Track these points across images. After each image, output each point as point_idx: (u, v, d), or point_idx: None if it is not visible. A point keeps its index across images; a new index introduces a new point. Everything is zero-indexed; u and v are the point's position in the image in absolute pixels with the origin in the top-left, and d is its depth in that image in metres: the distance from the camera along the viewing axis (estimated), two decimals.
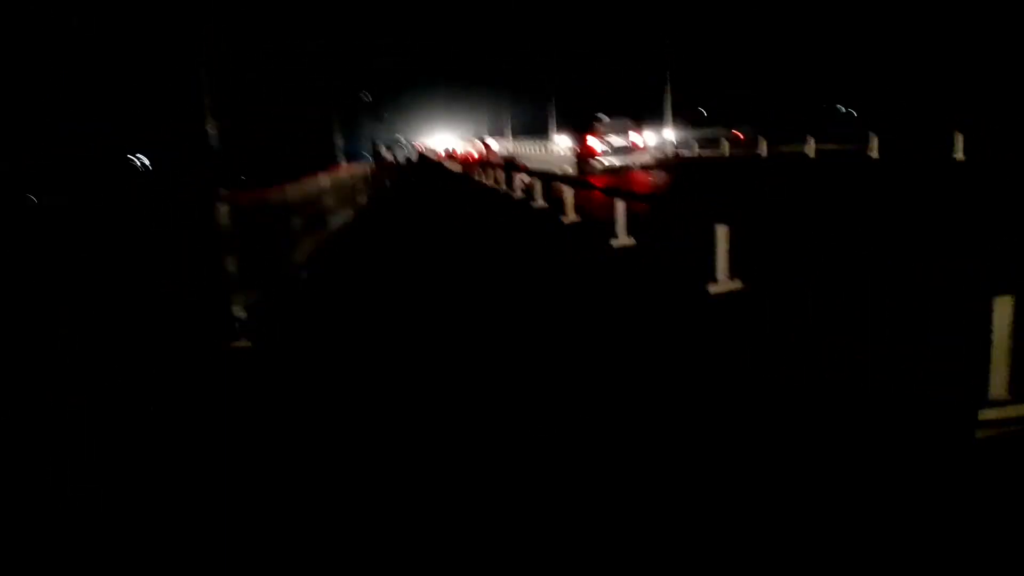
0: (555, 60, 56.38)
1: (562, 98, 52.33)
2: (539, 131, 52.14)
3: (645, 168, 25.83)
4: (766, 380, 4.47)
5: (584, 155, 24.72)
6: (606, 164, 24.83)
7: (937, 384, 3.95)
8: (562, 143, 34.11)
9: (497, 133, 63.01)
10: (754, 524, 2.94)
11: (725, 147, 32.76)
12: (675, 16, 46.48)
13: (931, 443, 3.41)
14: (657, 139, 34.32)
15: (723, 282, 6.98)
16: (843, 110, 45.82)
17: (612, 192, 11.38)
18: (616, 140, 25.83)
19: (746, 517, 3.00)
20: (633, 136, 26.29)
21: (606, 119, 27.70)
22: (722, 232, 7.03)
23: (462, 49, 78.61)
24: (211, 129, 8.06)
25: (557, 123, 50.30)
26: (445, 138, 70.90)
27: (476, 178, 28.66)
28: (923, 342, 4.71)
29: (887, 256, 5.56)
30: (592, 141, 25.47)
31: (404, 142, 65.82)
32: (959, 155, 19.43)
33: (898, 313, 5.40)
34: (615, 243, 10.46)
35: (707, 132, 38.27)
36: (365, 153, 42.46)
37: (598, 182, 15.94)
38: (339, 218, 15.50)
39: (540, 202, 16.78)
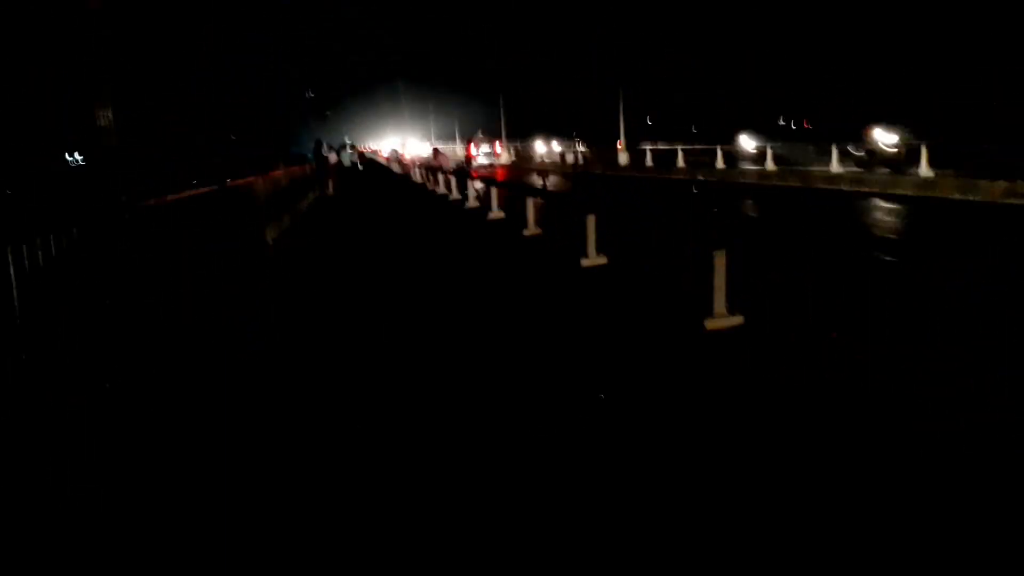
0: (506, 71, 57.43)
1: (514, 106, 53.23)
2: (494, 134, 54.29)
3: (503, 167, 40.68)
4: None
5: (468, 157, 39.81)
6: (478, 163, 37.65)
7: (687, 303, 6.39)
8: (483, 148, 45.63)
9: (443, 139, 62.51)
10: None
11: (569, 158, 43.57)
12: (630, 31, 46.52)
13: (683, 334, 5.86)
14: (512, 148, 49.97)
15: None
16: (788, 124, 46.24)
17: (485, 180, 18.04)
18: (485, 148, 42.48)
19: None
20: (496, 147, 43.22)
21: (480, 134, 44.84)
22: (532, 202, 12.57)
23: (416, 56, 77.73)
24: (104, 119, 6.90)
25: (509, 130, 51.29)
26: (392, 142, 70.01)
27: (412, 177, 34.69)
28: (677, 279, 7.66)
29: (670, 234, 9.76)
30: (472, 148, 41.44)
31: (350, 145, 64.31)
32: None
33: (672, 264, 8.50)
34: (490, 216, 15.19)
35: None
36: (308, 155, 40.68)
37: (474, 174, 22.56)
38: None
39: (443, 189, 23.13)
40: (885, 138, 24.31)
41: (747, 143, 32.11)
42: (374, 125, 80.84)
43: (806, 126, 44.44)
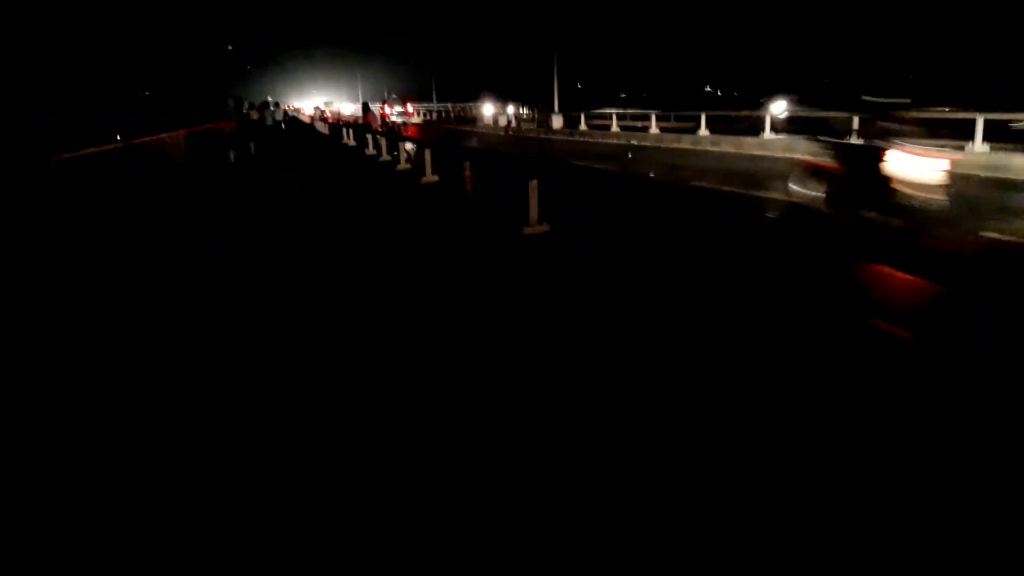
0: (433, 37, 57.24)
1: (442, 72, 53.94)
2: (425, 99, 54.70)
3: (415, 125, 45.63)
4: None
5: (382, 115, 42.40)
6: (391, 121, 39.34)
7: (514, 216, 8.85)
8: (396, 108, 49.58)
9: (372, 100, 61.26)
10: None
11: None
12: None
13: (508, 236, 8.37)
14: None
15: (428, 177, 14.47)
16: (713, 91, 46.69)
17: (391, 136, 20.75)
18: (398, 108, 47.33)
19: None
20: (408, 108, 50.16)
21: (394, 96, 52.74)
22: (429, 152, 15.14)
23: (346, 19, 75.27)
24: None
25: (438, 94, 51.45)
26: (316, 101, 67.89)
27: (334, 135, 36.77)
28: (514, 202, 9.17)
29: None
30: (385, 108, 44.33)
31: (273, 103, 61.74)
32: None
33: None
34: (398, 167, 17.53)
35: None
36: (228, 112, 38.71)
37: (382, 129, 26.34)
38: None
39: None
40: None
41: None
42: (300, 85, 78.23)
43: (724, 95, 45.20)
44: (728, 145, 21.18)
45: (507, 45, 54.58)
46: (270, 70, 69.43)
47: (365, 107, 34.87)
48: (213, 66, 46.72)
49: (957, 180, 7.13)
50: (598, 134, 29.63)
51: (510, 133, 37.61)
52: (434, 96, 54.10)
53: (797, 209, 7.79)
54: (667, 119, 31.03)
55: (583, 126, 32.84)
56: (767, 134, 21.11)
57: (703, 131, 23.88)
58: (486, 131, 39.38)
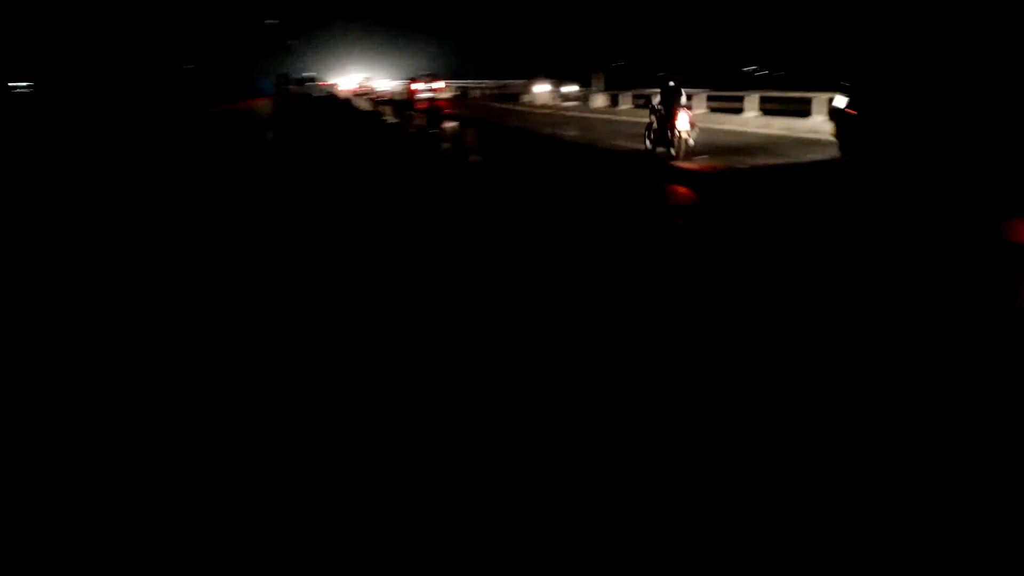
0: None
1: (485, 49, 54.03)
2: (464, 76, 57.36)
3: (444, 100, 43.43)
4: None
5: (410, 92, 45.54)
6: (419, 97, 42.17)
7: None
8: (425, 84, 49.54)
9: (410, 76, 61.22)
10: None
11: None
12: None
13: (459, 164, 13.78)
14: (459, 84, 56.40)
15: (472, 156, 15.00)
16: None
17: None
18: (425, 84, 45.64)
19: None
20: (436, 84, 46.71)
21: (423, 72, 50.46)
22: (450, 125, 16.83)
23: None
24: None
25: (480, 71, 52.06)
26: (356, 78, 67.72)
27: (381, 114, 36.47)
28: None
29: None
30: (414, 85, 46.68)
31: (313, 79, 61.59)
32: None
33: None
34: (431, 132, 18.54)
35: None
36: (268, 88, 38.71)
37: (417, 105, 30.07)
38: None
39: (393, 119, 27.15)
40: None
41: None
42: (338, 60, 78.23)
43: None
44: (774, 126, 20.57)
45: (554, 22, 53.89)
46: (310, 44, 69.51)
47: (411, 85, 37.20)
48: (254, 40, 46.83)
49: (724, 134, 14.27)
50: (639, 113, 29.01)
51: (546, 111, 37.08)
52: (473, 73, 53.80)
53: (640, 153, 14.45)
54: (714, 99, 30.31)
55: (625, 104, 32.23)
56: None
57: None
58: (521, 108, 38.95)
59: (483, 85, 56.77)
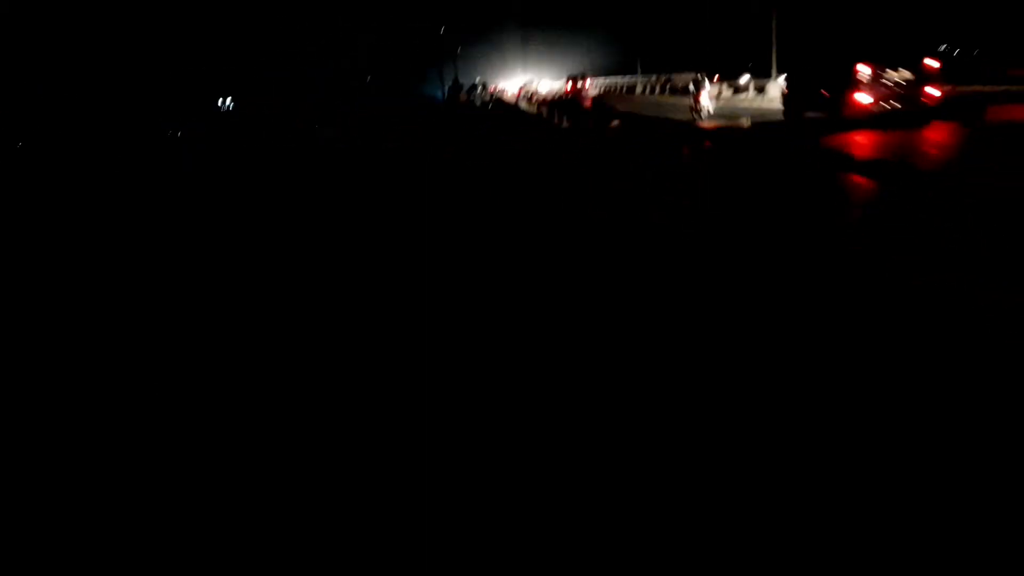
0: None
1: (636, 44, 54.59)
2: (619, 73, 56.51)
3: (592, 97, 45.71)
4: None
5: (566, 92, 48.10)
6: (584, 96, 44.26)
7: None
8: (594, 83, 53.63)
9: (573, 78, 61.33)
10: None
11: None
12: None
13: (599, 134, 22.47)
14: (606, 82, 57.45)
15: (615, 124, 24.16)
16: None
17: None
18: (581, 84, 50.78)
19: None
20: (587, 83, 51.82)
21: (573, 73, 55.19)
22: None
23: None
24: None
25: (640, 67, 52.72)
26: (519, 80, 68.82)
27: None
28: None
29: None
30: (567, 85, 51.67)
31: (482, 84, 62.38)
32: None
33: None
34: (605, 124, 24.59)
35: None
36: (437, 95, 40.73)
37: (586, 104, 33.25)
38: None
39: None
40: None
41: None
42: (502, 64, 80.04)
43: None
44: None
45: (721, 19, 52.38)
46: (480, 49, 71.74)
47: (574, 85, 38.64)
48: (429, 50, 49.61)
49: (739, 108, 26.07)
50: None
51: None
52: (639, 68, 53.50)
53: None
54: None
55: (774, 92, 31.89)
56: None
57: None
58: (675, 101, 38.49)
59: (648, 81, 56.40)
